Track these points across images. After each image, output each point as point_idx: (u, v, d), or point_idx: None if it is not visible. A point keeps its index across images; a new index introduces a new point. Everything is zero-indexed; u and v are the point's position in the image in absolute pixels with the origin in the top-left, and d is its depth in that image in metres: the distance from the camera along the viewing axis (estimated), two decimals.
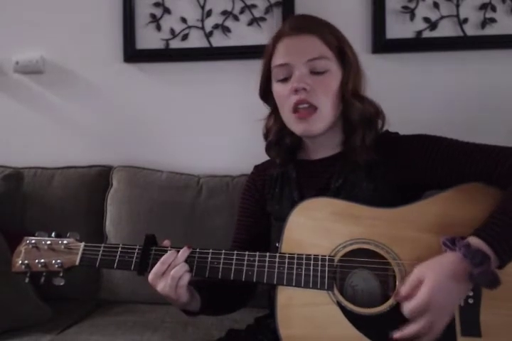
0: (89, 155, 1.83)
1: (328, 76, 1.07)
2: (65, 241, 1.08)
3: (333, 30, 1.10)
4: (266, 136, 1.20)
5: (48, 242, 1.08)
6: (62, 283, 1.06)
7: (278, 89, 1.10)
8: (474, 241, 0.90)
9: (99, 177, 1.75)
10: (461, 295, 0.90)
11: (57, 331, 1.42)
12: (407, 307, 0.88)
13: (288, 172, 1.18)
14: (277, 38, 1.10)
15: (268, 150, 1.20)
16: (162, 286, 0.99)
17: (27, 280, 1.08)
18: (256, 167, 1.29)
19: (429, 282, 0.88)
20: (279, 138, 1.16)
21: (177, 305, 1.06)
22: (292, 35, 1.07)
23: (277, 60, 1.09)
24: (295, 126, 1.09)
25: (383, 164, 1.06)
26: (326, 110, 1.07)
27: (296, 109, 1.07)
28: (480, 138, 1.07)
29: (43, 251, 1.08)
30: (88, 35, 1.85)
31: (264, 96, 1.18)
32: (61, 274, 1.06)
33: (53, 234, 1.10)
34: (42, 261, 1.07)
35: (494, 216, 0.93)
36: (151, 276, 1.00)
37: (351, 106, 1.08)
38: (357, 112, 1.08)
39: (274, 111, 1.16)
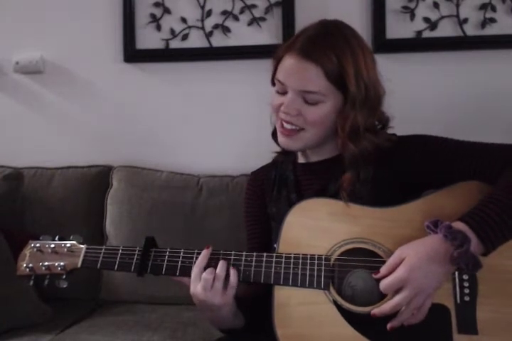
0: (89, 155, 1.83)
1: (320, 107, 1.04)
2: (67, 245, 1.10)
3: (345, 57, 1.02)
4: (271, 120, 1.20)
5: (52, 245, 1.10)
6: (65, 286, 1.08)
7: (274, 97, 1.10)
8: (456, 224, 0.91)
9: (99, 177, 1.75)
10: (442, 277, 0.91)
11: (57, 331, 1.42)
12: (383, 282, 0.90)
13: (286, 174, 1.18)
14: (288, 49, 1.05)
15: (274, 135, 1.19)
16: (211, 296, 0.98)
17: (31, 282, 1.10)
18: (253, 173, 1.29)
19: (408, 260, 0.90)
20: None
21: (220, 319, 1.05)
22: (298, 57, 1.02)
23: (279, 73, 1.07)
24: (279, 137, 1.11)
25: (381, 165, 1.06)
26: (310, 134, 1.07)
27: (281, 124, 1.08)
28: (479, 138, 1.07)
29: (47, 254, 1.10)
30: (88, 35, 1.85)
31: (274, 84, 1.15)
32: (64, 276, 1.08)
33: (57, 238, 1.12)
34: (46, 264, 1.08)
35: (480, 203, 0.94)
36: (200, 291, 0.98)
37: (345, 148, 1.06)
38: (350, 155, 1.06)
39: None
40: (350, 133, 1.05)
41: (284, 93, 1.07)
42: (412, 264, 0.89)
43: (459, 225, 0.91)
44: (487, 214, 0.91)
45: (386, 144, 1.07)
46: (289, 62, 1.05)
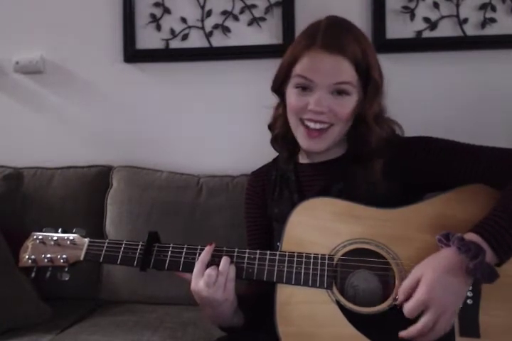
0: (89, 155, 1.83)
1: (348, 101, 1.05)
2: (70, 237, 1.10)
3: (365, 47, 1.05)
4: (272, 126, 1.19)
5: (55, 238, 1.10)
6: (67, 278, 1.08)
7: (293, 96, 1.08)
8: (469, 235, 0.91)
9: (99, 177, 1.74)
10: (462, 290, 0.90)
11: (57, 331, 1.41)
12: (406, 307, 0.88)
13: (287, 175, 1.17)
14: (307, 47, 1.04)
15: (274, 142, 1.19)
16: (214, 290, 0.97)
17: (33, 274, 1.09)
18: (253, 173, 1.29)
19: (426, 280, 0.88)
20: (286, 130, 1.14)
21: (220, 316, 1.04)
22: (324, 52, 1.02)
23: (302, 70, 1.05)
24: (301, 139, 1.09)
25: (385, 165, 1.06)
26: (338, 129, 1.07)
27: (305, 124, 1.06)
28: (480, 138, 1.08)
29: (50, 246, 1.10)
30: (88, 35, 1.85)
31: (276, 90, 1.14)
32: (66, 269, 1.08)
33: (60, 230, 1.12)
34: (48, 256, 1.08)
35: (491, 213, 0.93)
36: (202, 287, 0.98)
37: (372, 131, 1.07)
38: (376, 138, 1.07)
39: (284, 102, 1.13)
40: (375, 119, 1.06)
41: (306, 90, 1.05)
42: (431, 282, 0.87)
43: (471, 236, 0.90)
44: (499, 225, 0.90)
45: (395, 139, 1.09)
46: (313, 58, 1.03)
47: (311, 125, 1.06)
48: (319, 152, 1.10)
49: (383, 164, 1.06)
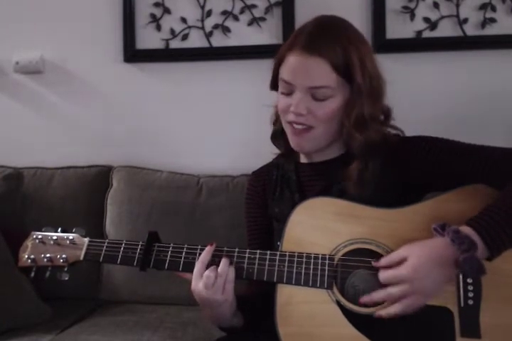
0: (89, 155, 1.83)
1: (330, 102, 1.03)
2: (70, 237, 1.10)
3: (348, 47, 1.02)
4: (275, 122, 1.19)
5: (54, 237, 1.10)
6: (66, 278, 1.08)
7: (280, 99, 1.09)
8: (464, 228, 0.91)
9: (99, 177, 1.75)
10: (444, 279, 0.92)
11: (57, 331, 1.41)
12: (385, 273, 0.91)
13: (288, 174, 1.18)
14: (290, 48, 1.04)
15: (273, 138, 1.19)
16: (212, 292, 0.97)
17: (33, 274, 1.09)
18: (254, 173, 1.28)
19: (413, 260, 0.90)
20: (283, 127, 1.14)
21: (219, 316, 1.04)
22: (303, 54, 1.01)
23: (283, 73, 1.05)
24: (290, 138, 1.10)
25: (385, 165, 1.06)
26: (321, 131, 1.06)
27: (291, 124, 1.07)
28: (480, 138, 1.07)
29: (49, 245, 1.10)
30: (88, 35, 1.85)
31: (273, 89, 1.14)
32: (66, 269, 1.08)
33: (59, 230, 1.12)
34: (48, 255, 1.08)
35: (487, 209, 0.93)
36: (201, 289, 0.98)
37: (351, 137, 1.05)
38: (356, 144, 1.05)
39: None
40: (356, 123, 1.04)
41: (289, 93, 1.05)
42: (416, 265, 0.89)
43: (465, 230, 0.90)
44: (494, 220, 0.90)
45: (392, 139, 1.08)
46: (293, 60, 1.03)
47: (295, 125, 1.07)
48: (308, 152, 1.11)
49: (383, 164, 1.06)
